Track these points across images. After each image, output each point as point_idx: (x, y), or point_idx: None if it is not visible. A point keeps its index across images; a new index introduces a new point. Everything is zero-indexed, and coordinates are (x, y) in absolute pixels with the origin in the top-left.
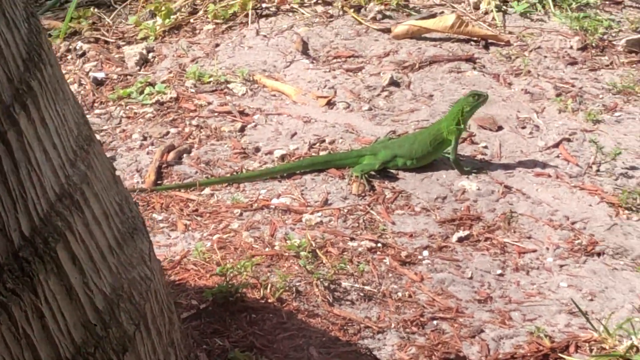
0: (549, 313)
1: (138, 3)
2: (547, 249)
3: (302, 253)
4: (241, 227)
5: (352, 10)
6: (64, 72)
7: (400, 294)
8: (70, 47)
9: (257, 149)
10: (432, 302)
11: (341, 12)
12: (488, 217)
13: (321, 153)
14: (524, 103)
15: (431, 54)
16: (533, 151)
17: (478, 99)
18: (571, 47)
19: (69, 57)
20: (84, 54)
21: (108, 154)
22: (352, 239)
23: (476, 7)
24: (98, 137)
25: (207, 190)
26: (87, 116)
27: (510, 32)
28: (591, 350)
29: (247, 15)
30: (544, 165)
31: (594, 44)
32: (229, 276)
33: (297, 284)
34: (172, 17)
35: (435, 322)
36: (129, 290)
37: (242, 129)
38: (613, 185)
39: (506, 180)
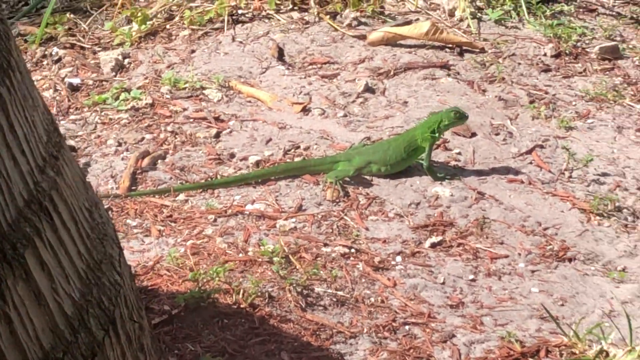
0: (520, 318)
1: (114, 9)
2: (519, 254)
3: (276, 259)
4: (215, 233)
5: (328, 16)
6: (39, 77)
7: (372, 299)
8: (46, 52)
9: (232, 155)
10: (405, 307)
11: (317, 19)
12: (461, 223)
13: (296, 159)
14: (497, 110)
15: (406, 60)
16: (506, 157)
17: (459, 117)
18: (545, 55)
19: (45, 62)
20: (59, 59)
21: (83, 160)
22: (325, 245)
23: (451, 14)
24: (73, 143)
25: (182, 196)
26: (62, 122)
27: (484, 39)
28: (561, 355)
29: (223, 22)
30: (517, 171)
31: (567, 52)
32: (202, 282)
33: (270, 289)
34: (148, 23)
35: (407, 327)
36: (98, 296)
37: (217, 135)
38: (585, 191)
39: (479, 186)
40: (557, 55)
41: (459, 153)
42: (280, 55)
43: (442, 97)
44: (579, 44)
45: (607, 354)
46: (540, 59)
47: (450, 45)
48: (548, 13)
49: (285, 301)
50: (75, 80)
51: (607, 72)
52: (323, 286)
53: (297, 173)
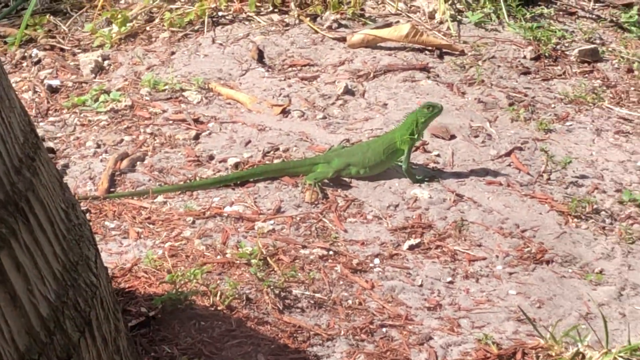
0: (497, 320)
1: (94, 11)
2: (497, 256)
3: (254, 261)
4: (193, 235)
5: (308, 19)
6: (19, 79)
7: (350, 302)
8: (26, 54)
9: (211, 157)
10: (382, 310)
11: (297, 21)
12: (439, 225)
13: (275, 161)
14: (477, 112)
15: (386, 63)
16: (485, 160)
17: (432, 110)
18: (525, 57)
19: (24, 64)
20: (39, 61)
21: (61, 162)
22: (304, 247)
23: (431, 17)
24: (52, 144)
25: (160, 198)
26: (41, 124)
27: (464, 42)
28: (538, 358)
29: (203, 24)
30: (496, 173)
31: (547, 54)
32: (179, 284)
33: (248, 291)
34: (128, 25)
35: (384, 329)
36: (74, 297)
37: (197, 137)
38: (563, 193)
39: (458, 188)
40: (536, 58)
41: (438, 155)
42: (260, 58)
43: (422, 99)
44: (558, 46)
45: (584, 356)
46: (519, 61)
47: (430, 48)
48: (528, 16)
49: (263, 303)
50: (55, 82)
51: (587, 75)
52: (301, 288)
53: (276, 175)
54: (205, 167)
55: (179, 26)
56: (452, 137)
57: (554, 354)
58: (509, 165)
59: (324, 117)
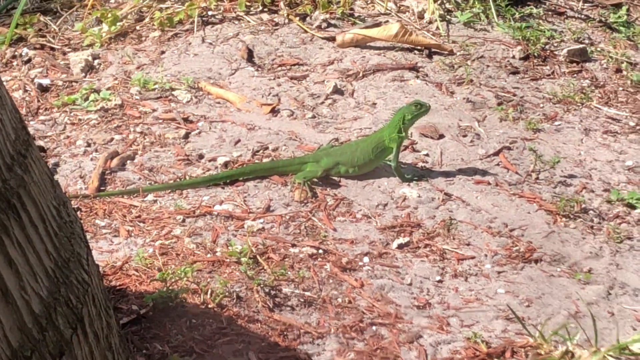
0: (486, 319)
1: (84, 10)
2: (486, 255)
3: (244, 259)
4: (183, 234)
5: (297, 18)
6: (9, 78)
7: (340, 300)
8: (16, 53)
9: (201, 156)
10: (372, 308)
11: (287, 21)
12: (428, 224)
13: (264, 160)
14: (465, 112)
15: (375, 62)
16: (473, 159)
17: (420, 108)
18: (513, 57)
19: (15, 63)
20: (29, 60)
21: (52, 160)
22: (293, 246)
23: (420, 17)
24: (42, 143)
25: (150, 197)
26: (32, 122)
27: (453, 42)
28: (527, 356)
29: (193, 23)
30: (484, 173)
31: (536, 54)
32: (170, 282)
33: (238, 289)
34: (118, 24)
35: (374, 327)
36: (66, 294)
37: (186, 136)
38: (551, 193)
39: (446, 187)
40: (525, 58)
41: (427, 154)
42: (250, 57)
43: (411, 99)
44: (547, 46)
45: (573, 355)
46: (508, 61)
47: (419, 48)
48: (517, 16)
49: (253, 301)
50: (45, 81)
51: (575, 75)
52: (291, 287)
53: (266, 174)
54: (195, 166)
55: (168, 25)
56: (441, 136)
57: (543, 353)
58: (498, 164)
59: (313, 117)
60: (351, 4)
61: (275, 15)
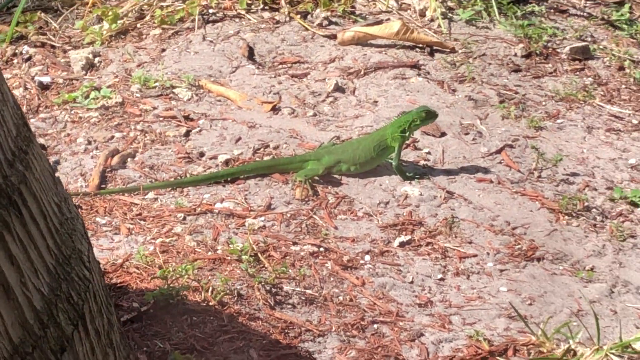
0: (488, 317)
1: (85, 8)
2: (488, 253)
3: (244, 257)
4: (184, 231)
5: (298, 16)
6: (9, 76)
7: (341, 298)
8: (17, 51)
9: (202, 154)
10: (373, 306)
11: (288, 18)
12: (430, 222)
13: (265, 158)
14: (467, 109)
15: (376, 60)
16: (475, 157)
17: (429, 116)
18: (515, 55)
19: (15, 61)
20: (30, 58)
21: (52, 158)
22: (294, 243)
23: (422, 14)
24: (42, 141)
25: (151, 195)
26: (32, 120)
27: (455, 39)
28: (529, 354)
29: (193, 21)
30: (486, 171)
31: (538, 52)
32: (171, 279)
33: (239, 287)
34: (118, 22)
35: (375, 325)
36: (67, 291)
37: (187, 134)
38: (554, 191)
39: (448, 185)
40: (527, 56)
41: (429, 152)
42: (251, 55)
43: (412, 97)
44: (549, 44)
45: (575, 353)
46: (510, 59)
47: (420, 45)
48: (519, 13)
49: (254, 299)
50: (46, 79)
51: (578, 73)
52: (292, 284)
53: (267, 172)
54: (195, 164)
55: (169, 23)
56: (443, 134)
57: (545, 351)
58: (500, 162)
59: (314, 115)
60: (352, 2)
61: (276, 13)
